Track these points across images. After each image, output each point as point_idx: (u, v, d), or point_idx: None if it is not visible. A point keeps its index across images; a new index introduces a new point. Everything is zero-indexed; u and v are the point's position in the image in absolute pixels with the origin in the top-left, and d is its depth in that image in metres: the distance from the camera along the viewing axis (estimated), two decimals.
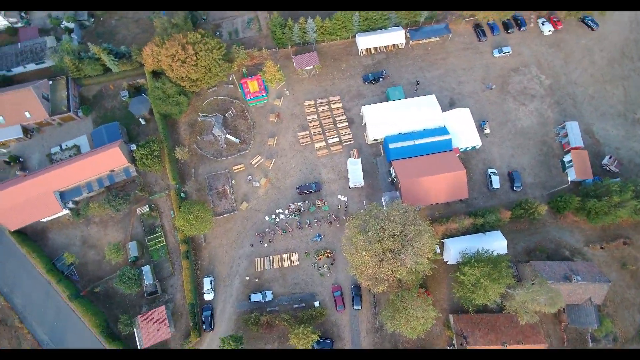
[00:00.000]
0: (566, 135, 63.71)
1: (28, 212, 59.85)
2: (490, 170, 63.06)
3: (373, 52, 69.67)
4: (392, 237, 48.29)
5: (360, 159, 62.23)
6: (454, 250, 56.27)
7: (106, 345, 56.04)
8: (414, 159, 60.75)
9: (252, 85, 66.28)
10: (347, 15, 65.08)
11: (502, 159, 64.59)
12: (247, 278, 59.40)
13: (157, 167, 62.53)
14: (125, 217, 62.97)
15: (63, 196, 61.47)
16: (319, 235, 60.47)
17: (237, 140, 65.25)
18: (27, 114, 63.46)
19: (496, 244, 55.63)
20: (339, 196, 62.57)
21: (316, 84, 68.24)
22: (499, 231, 58.01)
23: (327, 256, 59.63)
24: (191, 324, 56.62)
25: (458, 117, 63.45)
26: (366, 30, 68.74)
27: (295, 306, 57.99)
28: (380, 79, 67.79)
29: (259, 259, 59.99)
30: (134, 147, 63.51)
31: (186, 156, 62.92)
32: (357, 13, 64.77)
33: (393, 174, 61.60)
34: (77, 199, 62.53)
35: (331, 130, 65.56)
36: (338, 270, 59.59)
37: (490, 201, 62.31)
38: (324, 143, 64.79)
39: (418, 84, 67.46)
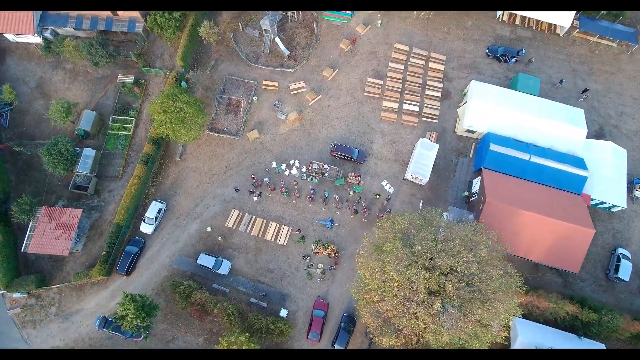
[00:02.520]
0: None
1: None
2: (620, 251, 39.81)
3: (517, 22, 48.34)
4: (455, 275, 27.04)
5: (438, 146, 41.19)
6: (524, 339, 33.96)
7: None
8: (518, 180, 39.02)
9: None
10: None
11: None
12: (209, 229, 40.05)
13: (169, 35, 44.55)
14: (102, 79, 45.65)
15: (44, 19, 45.04)
16: (331, 221, 40.03)
17: (286, 52, 46.21)
18: None
19: None
20: (384, 183, 41.87)
21: (421, 29, 47.89)
22: (603, 346, 35.05)
23: (329, 254, 39.07)
24: (104, 253, 37.94)
25: (606, 154, 40.89)
26: None
27: (252, 300, 37.89)
28: (513, 60, 46.33)
29: (237, 211, 40.48)
30: None
31: (213, 39, 44.61)
32: None
33: (475, 188, 40.10)
34: (59, 30, 46.00)
35: (414, 93, 45.00)
36: (335, 280, 38.88)
37: (602, 294, 39.12)
38: (395, 105, 44.35)
39: (561, 82, 45.61)
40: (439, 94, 45.03)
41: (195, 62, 45.97)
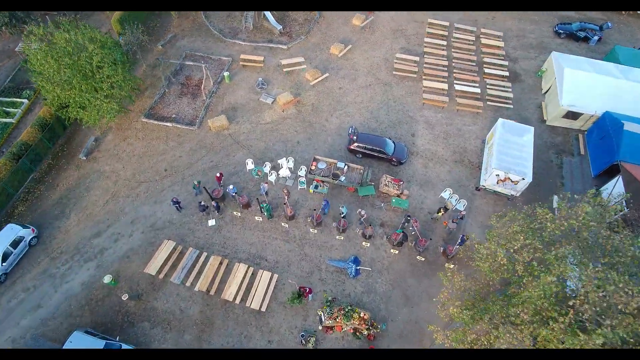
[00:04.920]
0: None
1: None
2: None
3: None
4: None
5: (532, 129, 24.38)
6: None
7: None
8: None
9: None
10: None
11: None
12: (108, 280, 19.80)
13: None
14: (1, 54, 30.42)
15: None
16: (356, 262, 20.49)
17: (278, 27, 32.59)
18: None
19: None
20: (445, 194, 23.63)
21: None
22: None
23: (356, 330, 18.48)
24: None
25: None
26: None
27: None
28: (595, 37, 33.08)
29: (171, 244, 20.95)
30: None
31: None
32: None
33: (616, 193, 22.09)
34: None
35: (470, 73, 30.07)
36: None
37: None
38: (444, 85, 28.95)
39: None
40: (506, 73, 30.22)
41: (147, 32, 31.33)
